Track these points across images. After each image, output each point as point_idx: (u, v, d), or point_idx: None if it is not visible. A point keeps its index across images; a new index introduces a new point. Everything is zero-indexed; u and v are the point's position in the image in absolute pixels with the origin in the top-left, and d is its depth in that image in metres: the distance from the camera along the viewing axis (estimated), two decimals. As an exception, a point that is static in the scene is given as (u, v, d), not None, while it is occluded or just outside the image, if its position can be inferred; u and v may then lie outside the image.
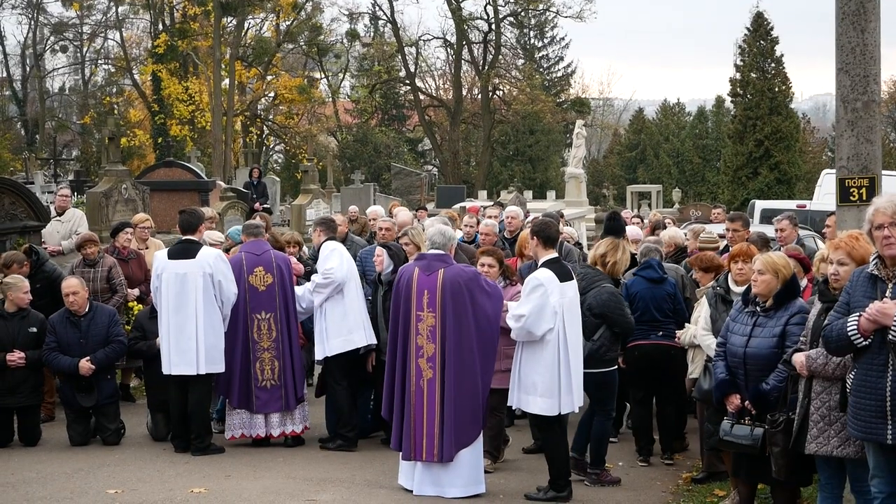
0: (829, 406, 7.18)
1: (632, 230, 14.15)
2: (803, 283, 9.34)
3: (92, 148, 55.37)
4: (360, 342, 10.99)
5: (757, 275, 8.13)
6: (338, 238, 12.06)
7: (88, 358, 11.24)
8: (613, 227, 12.44)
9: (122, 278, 13.36)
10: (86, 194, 21.05)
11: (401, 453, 9.36)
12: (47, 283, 12.51)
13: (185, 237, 11.28)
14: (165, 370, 10.96)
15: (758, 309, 8.12)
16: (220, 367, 11.02)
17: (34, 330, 11.39)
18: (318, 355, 11.22)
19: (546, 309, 9.03)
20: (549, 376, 9.13)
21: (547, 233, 9.47)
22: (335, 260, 11.00)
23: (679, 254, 12.76)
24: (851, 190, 9.81)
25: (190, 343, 10.84)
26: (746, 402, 8.03)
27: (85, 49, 63.87)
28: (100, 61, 63.88)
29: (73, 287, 11.49)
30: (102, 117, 47.10)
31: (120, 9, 57.76)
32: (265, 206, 27.95)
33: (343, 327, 10.95)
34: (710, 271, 10.36)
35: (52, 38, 62.28)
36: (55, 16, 60.97)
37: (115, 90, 62.09)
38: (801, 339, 7.61)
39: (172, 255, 11.13)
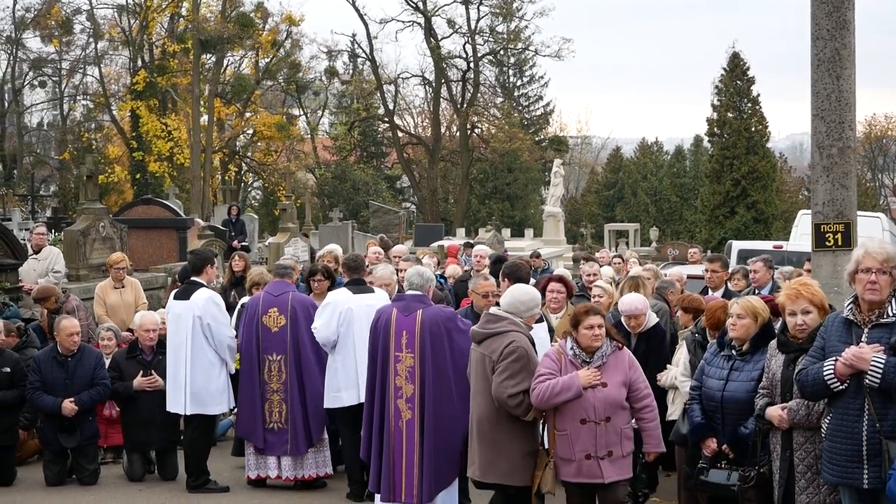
0: (815, 455, 7.12)
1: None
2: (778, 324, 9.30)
3: (70, 184, 55.16)
4: (349, 401, 10.46)
5: (736, 318, 8.00)
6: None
7: (72, 399, 11.16)
8: (515, 274, 10.80)
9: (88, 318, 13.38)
10: (63, 232, 20.93)
11: (378, 496, 9.27)
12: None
13: (192, 278, 11.28)
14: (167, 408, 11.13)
15: (734, 353, 8.05)
16: (211, 409, 11.05)
17: (7, 370, 11.31)
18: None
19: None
20: None
21: (518, 275, 9.50)
22: (322, 318, 10.60)
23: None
24: (827, 235, 9.87)
25: (180, 383, 10.90)
26: (724, 447, 7.99)
27: (64, 85, 63.77)
28: (78, 97, 63.75)
29: (75, 328, 11.50)
30: (81, 153, 46.92)
31: (99, 45, 57.73)
32: (243, 243, 27.79)
33: (333, 384, 10.56)
34: (691, 312, 10.21)
35: (30, 74, 62.17)
36: (34, 51, 60.93)
37: (93, 126, 61.99)
38: (763, 391, 7.60)
39: (176, 296, 11.23)
